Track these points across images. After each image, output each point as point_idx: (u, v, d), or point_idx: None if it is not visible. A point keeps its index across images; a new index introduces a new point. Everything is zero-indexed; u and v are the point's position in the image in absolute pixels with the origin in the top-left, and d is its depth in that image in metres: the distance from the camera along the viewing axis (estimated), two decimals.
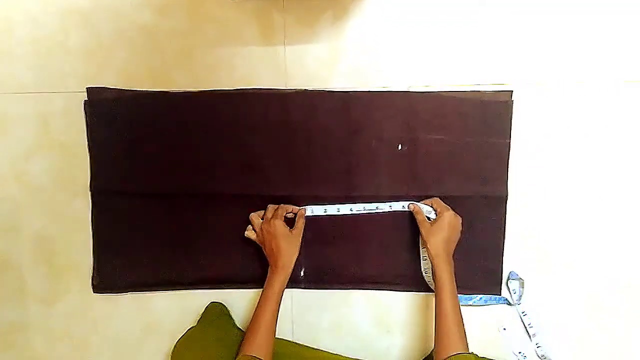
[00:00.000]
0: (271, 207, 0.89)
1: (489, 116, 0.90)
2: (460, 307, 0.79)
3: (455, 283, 0.81)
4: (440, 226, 0.84)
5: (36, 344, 0.98)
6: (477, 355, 0.81)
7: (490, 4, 0.89)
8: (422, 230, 0.85)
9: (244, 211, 0.91)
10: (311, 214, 0.91)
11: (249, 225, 0.90)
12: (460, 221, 0.87)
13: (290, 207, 0.90)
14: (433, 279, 0.83)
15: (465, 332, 0.76)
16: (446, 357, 0.73)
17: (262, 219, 0.89)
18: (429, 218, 0.88)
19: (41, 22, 0.93)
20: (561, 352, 0.93)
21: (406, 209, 0.90)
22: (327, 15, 0.91)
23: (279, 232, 0.84)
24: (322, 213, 0.91)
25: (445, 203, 0.90)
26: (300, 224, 0.88)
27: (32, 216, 0.96)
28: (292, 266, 0.85)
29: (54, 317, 0.98)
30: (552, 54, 0.90)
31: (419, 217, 0.88)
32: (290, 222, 0.89)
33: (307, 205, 0.91)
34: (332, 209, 0.91)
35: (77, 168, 0.94)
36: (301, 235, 0.88)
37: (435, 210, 0.88)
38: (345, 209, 0.91)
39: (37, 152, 0.95)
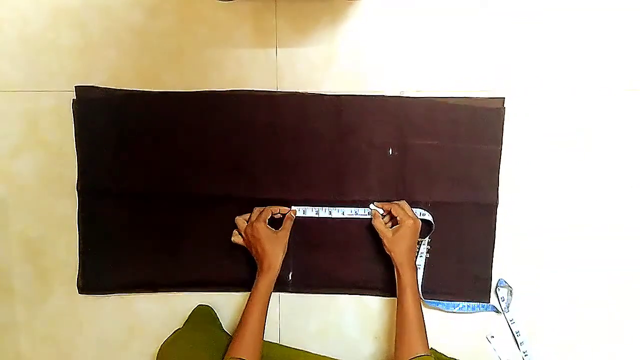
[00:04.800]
0: (256, 210, 0.89)
1: (480, 123, 0.89)
2: (425, 309, 0.83)
3: (417, 288, 0.83)
4: (402, 235, 0.83)
5: (21, 344, 0.97)
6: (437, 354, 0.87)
7: (483, 11, 0.89)
8: (384, 240, 0.85)
9: (232, 213, 0.90)
10: (302, 215, 0.90)
11: (235, 230, 0.90)
12: (420, 224, 0.86)
13: (277, 208, 0.89)
14: (396, 284, 0.84)
15: (426, 336, 0.78)
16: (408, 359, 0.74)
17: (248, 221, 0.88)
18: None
19: (31, 20, 0.92)
20: None
21: None
22: (320, 19, 0.90)
23: (261, 235, 0.84)
24: (313, 215, 0.91)
25: (436, 209, 0.90)
26: (287, 225, 0.88)
27: (18, 216, 0.95)
28: (279, 267, 0.84)
29: (39, 318, 0.97)
30: (544, 62, 0.89)
31: (379, 227, 0.86)
32: (278, 223, 0.89)
33: (298, 207, 0.91)
34: (324, 212, 0.91)
35: (64, 167, 0.93)
36: (287, 236, 0.87)
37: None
38: (337, 212, 0.91)
39: (24, 150, 0.94)
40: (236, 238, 0.89)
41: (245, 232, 0.87)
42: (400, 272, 0.82)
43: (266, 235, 0.84)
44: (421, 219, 0.88)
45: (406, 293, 0.80)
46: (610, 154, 0.90)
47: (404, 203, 0.88)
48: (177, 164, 0.92)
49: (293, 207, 0.90)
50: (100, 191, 0.93)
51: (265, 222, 0.86)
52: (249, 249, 0.87)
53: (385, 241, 0.85)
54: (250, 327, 0.78)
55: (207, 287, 0.95)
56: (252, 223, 0.86)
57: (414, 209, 0.88)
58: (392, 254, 0.84)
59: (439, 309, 0.92)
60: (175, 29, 0.91)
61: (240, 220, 0.89)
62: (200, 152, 0.91)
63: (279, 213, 0.90)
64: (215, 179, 0.92)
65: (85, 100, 0.92)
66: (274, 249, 0.84)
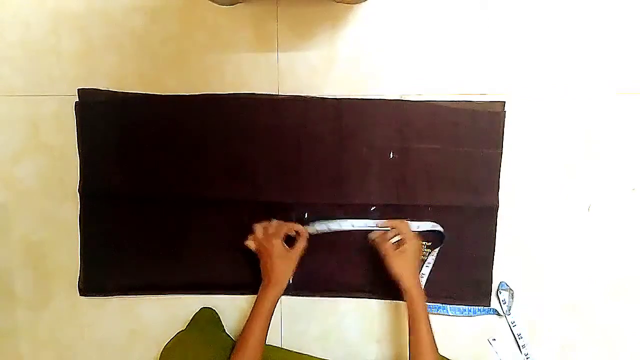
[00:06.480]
0: (275, 223, 0.88)
1: (481, 126, 0.90)
2: (433, 315, 0.81)
3: (428, 315, 0.80)
4: (407, 257, 0.83)
5: (22, 348, 0.98)
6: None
7: (484, 15, 0.89)
8: (389, 262, 0.84)
9: (233, 216, 0.91)
10: (315, 233, 0.89)
11: (251, 235, 0.88)
12: (421, 241, 0.87)
13: (296, 227, 0.88)
14: (408, 311, 0.81)
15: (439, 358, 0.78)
16: None
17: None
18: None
19: (32, 25, 0.92)
20: None
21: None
22: (321, 23, 0.90)
23: (275, 252, 0.83)
24: (326, 230, 0.89)
25: (436, 213, 0.91)
26: (300, 245, 0.87)
27: (19, 219, 0.95)
28: (285, 284, 0.84)
29: (40, 322, 0.97)
30: (544, 65, 0.89)
31: (383, 249, 0.85)
32: (291, 239, 0.88)
33: (305, 212, 0.91)
34: (335, 225, 0.89)
35: (66, 171, 0.94)
36: (299, 256, 0.86)
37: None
38: (347, 224, 0.90)
39: (26, 155, 0.94)
40: (250, 243, 0.88)
41: (260, 242, 0.86)
42: (410, 298, 0.81)
43: (280, 253, 0.84)
44: (432, 230, 0.88)
45: (419, 323, 0.79)
46: (610, 156, 0.90)
47: (404, 224, 0.87)
48: (178, 167, 0.92)
49: (305, 227, 0.88)
50: (102, 194, 0.93)
51: (283, 239, 0.86)
52: (259, 257, 0.87)
53: (390, 262, 0.84)
54: (252, 340, 0.78)
55: (209, 290, 0.95)
56: (270, 237, 0.85)
57: (424, 222, 0.89)
58: (400, 278, 0.82)
59: (440, 313, 0.92)
60: (177, 33, 0.92)
61: (259, 228, 0.87)
62: (201, 155, 0.92)
63: (295, 232, 0.88)
64: (216, 182, 0.92)
65: (88, 103, 0.92)
66: (283, 267, 0.84)
